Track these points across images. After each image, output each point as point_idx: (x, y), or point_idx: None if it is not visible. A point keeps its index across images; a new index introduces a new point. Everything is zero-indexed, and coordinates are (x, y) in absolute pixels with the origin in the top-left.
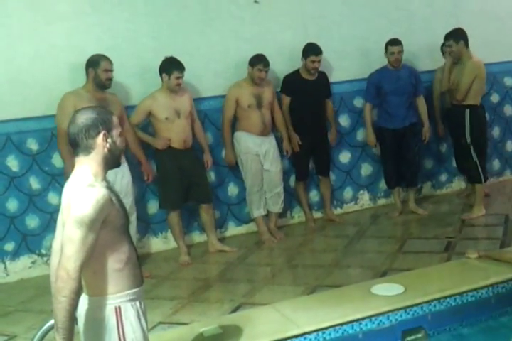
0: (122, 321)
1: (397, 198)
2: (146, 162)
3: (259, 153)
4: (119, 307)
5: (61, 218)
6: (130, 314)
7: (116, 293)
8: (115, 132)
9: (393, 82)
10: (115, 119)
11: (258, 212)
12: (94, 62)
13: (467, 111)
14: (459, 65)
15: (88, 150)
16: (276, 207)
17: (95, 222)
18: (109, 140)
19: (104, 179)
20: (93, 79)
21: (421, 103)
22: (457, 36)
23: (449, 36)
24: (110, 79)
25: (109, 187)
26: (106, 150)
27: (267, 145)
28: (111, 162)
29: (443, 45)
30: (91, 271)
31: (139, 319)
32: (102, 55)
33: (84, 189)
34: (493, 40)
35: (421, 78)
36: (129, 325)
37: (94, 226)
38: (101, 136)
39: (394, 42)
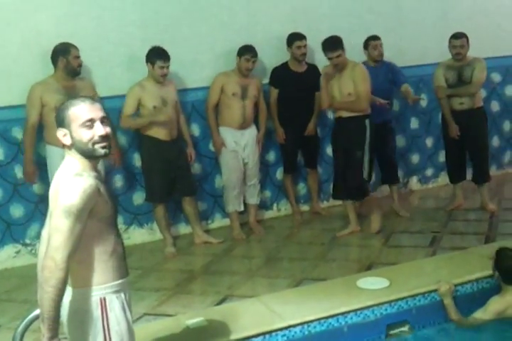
0: (107, 312)
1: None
2: (117, 150)
3: (237, 149)
4: (104, 299)
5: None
6: (115, 305)
7: (102, 284)
8: (74, 126)
9: (371, 78)
10: (76, 111)
11: (232, 207)
12: (64, 51)
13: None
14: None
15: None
16: (253, 199)
17: (82, 212)
18: (66, 137)
19: (94, 169)
20: (64, 67)
21: (406, 88)
22: (338, 45)
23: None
24: (80, 66)
25: (98, 178)
26: (70, 145)
27: (247, 137)
28: (88, 155)
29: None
30: (76, 262)
31: (124, 310)
32: (70, 43)
33: (72, 178)
34: (482, 35)
35: (399, 69)
36: (113, 317)
37: (82, 216)
38: (58, 132)
39: (375, 37)
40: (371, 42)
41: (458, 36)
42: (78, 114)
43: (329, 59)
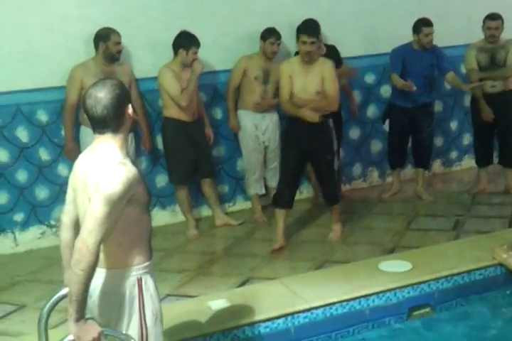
0: (143, 292)
1: (396, 179)
2: (148, 133)
3: (257, 133)
4: (141, 279)
5: (74, 194)
6: (150, 285)
7: (138, 264)
8: (130, 105)
9: (414, 62)
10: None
11: (253, 190)
12: (105, 36)
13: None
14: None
15: (118, 127)
16: (274, 182)
17: (122, 200)
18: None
19: (128, 153)
20: (103, 52)
21: (452, 77)
22: (317, 30)
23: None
24: (120, 52)
25: (135, 164)
26: (131, 121)
27: (267, 121)
28: (129, 131)
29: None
30: (116, 244)
31: (157, 290)
32: (111, 29)
33: (116, 167)
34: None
35: (446, 56)
36: (148, 296)
37: (120, 204)
38: (130, 110)
39: (430, 23)
40: (424, 29)
41: (494, 17)
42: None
43: (303, 43)
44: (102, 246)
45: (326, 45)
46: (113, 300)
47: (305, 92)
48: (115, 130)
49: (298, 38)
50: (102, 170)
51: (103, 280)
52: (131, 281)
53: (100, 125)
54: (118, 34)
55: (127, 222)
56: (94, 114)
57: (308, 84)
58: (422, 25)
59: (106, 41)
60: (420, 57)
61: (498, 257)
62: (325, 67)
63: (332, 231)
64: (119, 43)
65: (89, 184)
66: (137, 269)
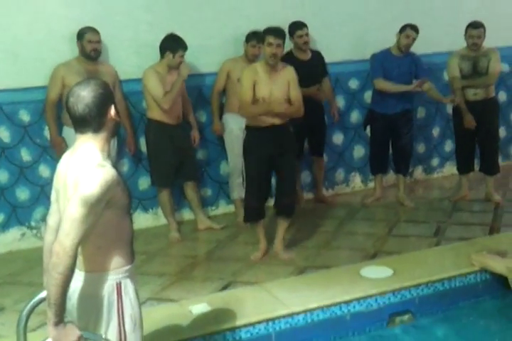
0: (122, 297)
1: (379, 185)
2: (132, 135)
3: (243, 137)
4: (120, 283)
5: (56, 195)
6: (129, 289)
7: (117, 268)
8: (113, 105)
9: (393, 68)
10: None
11: (237, 194)
12: (80, 35)
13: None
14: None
15: (100, 127)
16: None
17: (100, 202)
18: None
19: (109, 155)
20: (80, 51)
21: (427, 88)
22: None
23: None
24: (95, 50)
25: (115, 167)
26: (114, 122)
27: None
28: (112, 133)
29: None
30: (95, 247)
31: (136, 294)
32: (88, 27)
33: (94, 168)
34: (491, 24)
35: (423, 64)
36: (128, 301)
37: (98, 207)
38: (112, 111)
39: (413, 28)
40: (408, 29)
41: (476, 26)
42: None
43: (269, 45)
44: (80, 249)
45: (311, 50)
46: (91, 304)
47: (270, 98)
48: (96, 130)
49: (263, 40)
50: (81, 171)
51: (82, 284)
52: (109, 285)
53: (81, 124)
54: (94, 33)
55: (106, 225)
56: (75, 113)
57: (276, 91)
58: (408, 26)
59: (81, 40)
60: (398, 64)
61: (477, 263)
62: (290, 74)
63: (274, 247)
64: (93, 42)
65: (68, 185)
66: (116, 273)
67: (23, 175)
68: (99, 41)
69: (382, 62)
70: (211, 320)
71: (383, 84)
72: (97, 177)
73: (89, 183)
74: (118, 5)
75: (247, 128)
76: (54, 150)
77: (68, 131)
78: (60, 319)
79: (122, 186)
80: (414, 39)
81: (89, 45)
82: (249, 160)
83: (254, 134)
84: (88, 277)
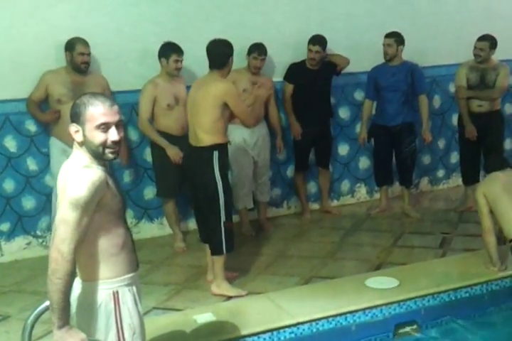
0: (120, 306)
1: (383, 196)
2: (126, 145)
3: (246, 148)
4: (117, 292)
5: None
6: (128, 298)
7: (114, 277)
8: (88, 126)
9: (387, 77)
10: (94, 112)
11: (242, 204)
12: (71, 46)
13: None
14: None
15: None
16: (263, 196)
17: (90, 204)
18: (78, 133)
19: (102, 163)
20: (69, 62)
21: (422, 102)
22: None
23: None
24: (85, 63)
25: (106, 171)
26: (80, 142)
27: (257, 134)
28: (96, 156)
29: None
30: (87, 255)
31: (136, 304)
32: (79, 38)
33: (80, 170)
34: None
35: (422, 76)
36: (126, 310)
37: (89, 208)
38: (71, 127)
39: (386, 35)
40: (385, 37)
41: (480, 39)
42: (95, 115)
43: (254, 59)
44: (75, 258)
45: (324, 61)
46: (89, 313)
47: None
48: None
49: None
50: (68, 174)
51: (80, 291)
52: (106, 294)
53: None
54: (85, 44)
55: (97, 231)
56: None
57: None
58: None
59: (71, 51)
60: (393, 72)
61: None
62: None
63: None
64: (84, 54)
65: (59, 189)
66: (112, 282)
67: (29, 184)
68: (89, 53)
69: (375, 77)
70: (216, 329)
71: (364, 107)
72: (83, 178)
73: (75, 185)
74: (127, 17)
75: (222, 145)
76: (50, 120)
77: (52, 141)
78: (64, 322)
79: (113, 190)
80: (389, 45)
81: (81, 58)
82: (227, 183)
83: (225, 152)
84: (85, 286)
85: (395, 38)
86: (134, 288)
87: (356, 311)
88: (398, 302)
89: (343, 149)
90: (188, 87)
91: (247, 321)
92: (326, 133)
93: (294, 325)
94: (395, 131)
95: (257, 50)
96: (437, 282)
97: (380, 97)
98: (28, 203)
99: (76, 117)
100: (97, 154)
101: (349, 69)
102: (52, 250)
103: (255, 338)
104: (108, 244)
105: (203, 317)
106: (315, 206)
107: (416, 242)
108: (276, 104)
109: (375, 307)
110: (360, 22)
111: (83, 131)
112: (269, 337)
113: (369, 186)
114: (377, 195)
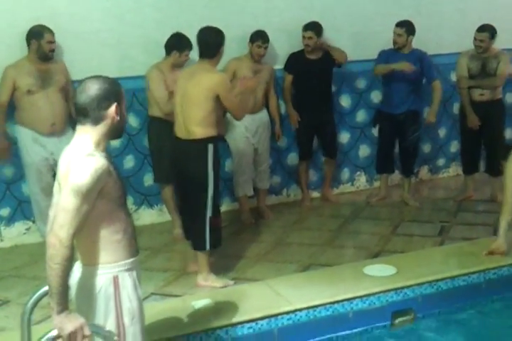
0: (119, 290)
1: (383, 184)
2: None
3: (247, 135)
4: (117, 277)
5: (57, 185)
6: (127, 283)
7: (115, 262)
8: (124, 104)
9: (397, 62)
10: (123, 92)
11: (242, 192)
12: (38, 34)
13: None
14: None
15: (97, 121)
16: (263, 184)
17: (91, 192)
18: (118, 112)
19: (105, 150)
20: (36, 50)
21: (436, 87)
22: None
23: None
24: (53, 51)
25: (108, 158)
26: (115, 121)
27: (257, 122)
28: (115, 133)
29: None
30: (89, 241)
31: (136, 288)
32: (45, 27)
33: (84, 158)
34: (498, 27)
35: (431, 63)
36: (125, 295)
37: (90, 196)
38: (113, 108)
39: (397, 23)
40: (394, 27)
41: (480, 29)
42: (124, 94)
43: (258, 47)
44: (76, 242)
45: (323, 50)
46: (88, 297)
47: None
48: (94, 123)
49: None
50: (71, 161)
51: (80, 276)
52: (106, 279)
53: (81, 113)
54: (51, 32)
55: (99, 217)
56: (78, 101)
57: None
58: (396, 24)
59: (39, 39)
60: (401, 59)
61: None
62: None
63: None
64: (52, 42)
65: (61, 175)
66: (112, 267)
67: None
68: (54, 41)
69: (387, 57)
70: (214, 315)
71: (379, 67)
72: (87, 166)
73: (79, 172)
74: (128, 3)
75: (215, 138)
76: None
77: (22, 131)
78: (64, 307)
79: (115, 177)
80: (399, 35)
81: (48, 46)
82: (218, 178)
83: (218, 145)
84: (85, 270)
85: (406, 28)
86: (134, 273)
87: (354, 298)
88: (395, 289)
89: (343, 137)
90: None
91: (245, 307)
92: (327, 122)
93: (292, 312)
94: (399, 118)
95: (261, 38)
96: (435, 270)
97: (386, 84)
98: (27, 188)
99: (117, 96)
100: (120, 132)
101: (351, 57)
102: (50, 235)
103: (253, 324)
104: (110, 231)
105: (201, 303)
106: (315, 194)
107: (415, 230)
108: (277, 91)
109: (373, 294)
110: (364, 10)
111: (121, 109)
112: (267, 324)
113: (369, 174)
114: (376, 184)
